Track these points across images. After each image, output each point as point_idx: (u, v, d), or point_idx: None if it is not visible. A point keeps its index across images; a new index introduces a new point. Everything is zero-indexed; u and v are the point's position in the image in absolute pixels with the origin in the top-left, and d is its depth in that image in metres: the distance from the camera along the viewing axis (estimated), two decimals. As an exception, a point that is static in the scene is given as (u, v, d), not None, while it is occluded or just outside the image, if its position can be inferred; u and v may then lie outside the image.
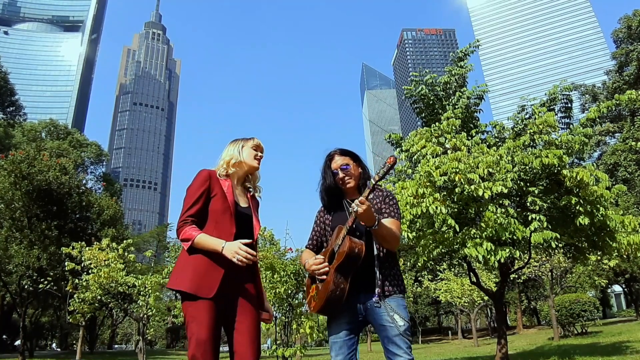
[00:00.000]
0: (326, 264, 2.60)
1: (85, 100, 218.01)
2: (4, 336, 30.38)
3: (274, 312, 12.08)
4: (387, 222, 2.63)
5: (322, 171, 2.89)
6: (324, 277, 2.59)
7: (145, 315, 13.64)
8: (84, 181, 25.35)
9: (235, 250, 2.44)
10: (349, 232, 2.54)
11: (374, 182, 2.42)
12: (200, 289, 2.46)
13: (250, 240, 2.53)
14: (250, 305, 2.66)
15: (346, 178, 2.79)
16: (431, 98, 9.98)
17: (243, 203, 2.82)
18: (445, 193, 7.11)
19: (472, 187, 6.63)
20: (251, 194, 2.95)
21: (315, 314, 12.49)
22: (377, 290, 2.56)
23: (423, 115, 10.26)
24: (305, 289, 11.78)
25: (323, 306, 2.58)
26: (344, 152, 2.87)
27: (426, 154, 7.49)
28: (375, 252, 2.64)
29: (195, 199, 2.63)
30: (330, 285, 2.51)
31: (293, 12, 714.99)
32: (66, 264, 13.35)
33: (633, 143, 29.53)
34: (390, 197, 2.78)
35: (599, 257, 9.05)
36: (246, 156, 2.85)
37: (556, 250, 8.98)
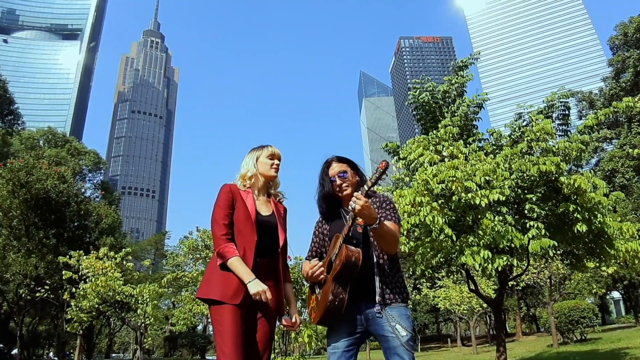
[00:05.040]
0: (320, 264, 2.59)
1: (83, 108, 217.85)
2: (1, 345, 30.18)
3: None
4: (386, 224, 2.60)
5: (319, 178, 2.86)
6: (322, 276, 2.57)
7: (143, 324, 13.59)
8: (82, 189, 25.32)
9: (259, 291, 2.53)
10: (345, 240, 2.50)
11: (366, 188, 2.40)
12: (225, 296, 2.58)
13: (270, 299, 2.59)
14: (268, 315, 2.72)
15: (343, 185, 2.76)
16: (432, 105, 10.03)
17: (266, 212, 2.87)
18: (442, 201, 7.11)
19: (470, 195, 6.64)
20: (278, 199, 3.02)
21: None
22: (377, 298, 2.51)
23: (423, 122, 10.30)
24: (303, 297, 11.78)
25: (322, 317, 2.55)
26: (341, 159, 2.85)
27: (424, 162, 7.50)
28: (375, 260, 2.60)
29: (225, 213, 2.76)
30: (329, 296, 2.48)
31: (291, 20, 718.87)
32: (63, 272, 13.32)
33: (630, 149, 29.57)
34: (388, 202, 2.75)
35: (597, 264, 9.02)
36: (262, 168, 2.92)
37: (554, 258, 8.97)
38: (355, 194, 2.36)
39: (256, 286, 2.53)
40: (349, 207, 2.39)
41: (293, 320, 2.84)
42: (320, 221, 2.94)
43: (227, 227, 2.72)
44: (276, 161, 2.94)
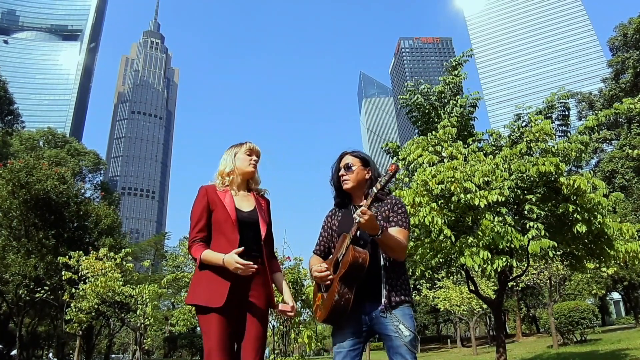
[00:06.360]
0: (329, 272, 2.58)
1: (83, 109, 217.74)
2: (0, 346, 30.15)
3: (272, 321, 12.06)
4: (394, 231, 2.59)
5: (331, 168, 2.90)
6: (328, 282, 2.58)
7: (143, 325, 13.59)
8: (82, 190, 25.31)
9: (233, 265, 2.53)
10: (352, 241, 2.51)
11: (375, 191, 2.40)
12: (210, 300, 2.59)
13: (241, 248, 2.58)
14: (258, 314, 2.71)
15: (344, 177, 2.77)
16: (426, 107, 10.00)
17: (247, 207, 2.85)
18: (442, 201, 7.10)
19: (469, 195, 6.63)
20: (259, 193, 3.00)
21: (314, 323, 12.48)
22: (383, 300, 2.53)
23: (419, 124, 10.27)
24: (303, 297, 11.78)
25: (328, 316, 2.56)
26: (355, 154, 2.85)
27: (423, 162, 7.49)
28: (382, 262, 2.60)
29: (198, 218, 2.76)
30: (335, 295, 2.50)
31: (291, 21, 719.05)
32: (63, 273, 13.31)
33: (630, 150, 29.56)
34: (399, 205, 2.74)
35: (597, 265, 9.01)
36: (240, 163, 2.89)
37: (554, 258, 8.96)
38: (361, 208, 2.37)
39: (229, 261, 2.54)
40: (354, 218, 2.41)
41: (290, 304, 2.81)
42: (329, 216, 2.94)
43: (197, 232, 2.74)
44: (254, 157, 2.92)
